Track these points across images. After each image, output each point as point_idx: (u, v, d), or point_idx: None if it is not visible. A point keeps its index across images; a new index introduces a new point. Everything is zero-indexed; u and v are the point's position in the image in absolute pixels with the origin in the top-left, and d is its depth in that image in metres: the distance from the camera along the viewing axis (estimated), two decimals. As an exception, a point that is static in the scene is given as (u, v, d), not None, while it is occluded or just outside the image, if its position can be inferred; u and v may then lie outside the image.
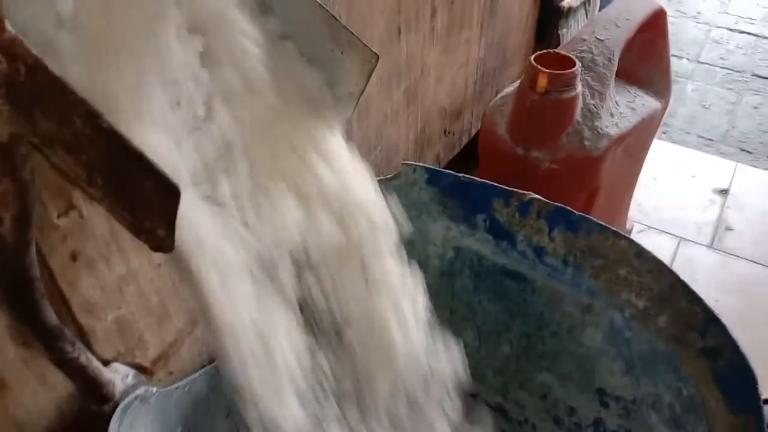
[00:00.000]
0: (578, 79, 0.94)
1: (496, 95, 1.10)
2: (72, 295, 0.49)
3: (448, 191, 0.72)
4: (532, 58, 0.95)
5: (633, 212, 1.43)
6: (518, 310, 0.74)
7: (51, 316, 0.41)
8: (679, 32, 2.37)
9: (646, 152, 1.20)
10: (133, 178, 0.30)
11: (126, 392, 0.54)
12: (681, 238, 1.46)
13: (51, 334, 0.42)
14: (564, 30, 1.46)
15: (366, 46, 0.43)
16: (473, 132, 1.29)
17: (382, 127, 0.94)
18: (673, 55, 2.13)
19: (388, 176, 0.72)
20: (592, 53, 1.00)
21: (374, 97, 0.88)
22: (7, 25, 0.29)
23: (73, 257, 0.48)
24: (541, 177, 0.98)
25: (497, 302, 0.76)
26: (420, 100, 1.03)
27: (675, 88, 1.98)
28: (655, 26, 1.09)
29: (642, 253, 0.59)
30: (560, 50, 1.00)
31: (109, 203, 0.32)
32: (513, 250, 0.71)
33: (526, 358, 0.78)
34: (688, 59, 2.24)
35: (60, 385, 0.51)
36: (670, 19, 1.06)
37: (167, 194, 0.30)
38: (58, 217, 0.45)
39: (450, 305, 0.81)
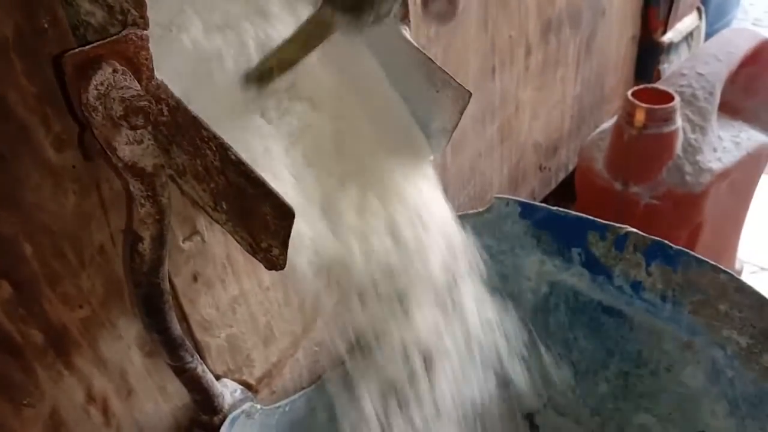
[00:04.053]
0: (677, 113, 0.93)
1: (593, 131, 1.10)
2: (191, 313, 0.54)
3: (542, 225, 0.72)
4: (630, 93, 0.95)
5: (743, 252, 1.35)
6: (615, 347, 0.73)
7: (176, 327, 0.46)
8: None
9: (754, 188, 1.14)
10: (253, 202, 0.34)
11: (234, 406, 0.58)
12: (798, 280, 1.37)
13: (175, 343, 0.47)
14: (665, 65, 1.43)
15: (460, 84, 0.46)
16: (570, 167, 1.28)
17: (476, 162, 0.96)
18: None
19: (481, 210, 0.73)
20: (692, 87, 0.98)
21: (468, 133, 0.91)
22: (156, 73, 0.34)
23: (194, 278, 0.53)
24: (641, 213, 0.97)
25: (594, 339, 0.75)
26: (514, 136, 1.04)
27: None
28: (759, 59, 1.06)
29: (742, 288, 0.57)
30: (659, 85, 0.99)
31: (232, 226, 0.36)
32: (610, 285, 0.70)
33: (623, 397, 0.75)
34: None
35: (176, 396, 0.57)
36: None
37: (283, 217, 0.34)
38: (183, 241, 0.51)
39: (545, 341, 0.80)
